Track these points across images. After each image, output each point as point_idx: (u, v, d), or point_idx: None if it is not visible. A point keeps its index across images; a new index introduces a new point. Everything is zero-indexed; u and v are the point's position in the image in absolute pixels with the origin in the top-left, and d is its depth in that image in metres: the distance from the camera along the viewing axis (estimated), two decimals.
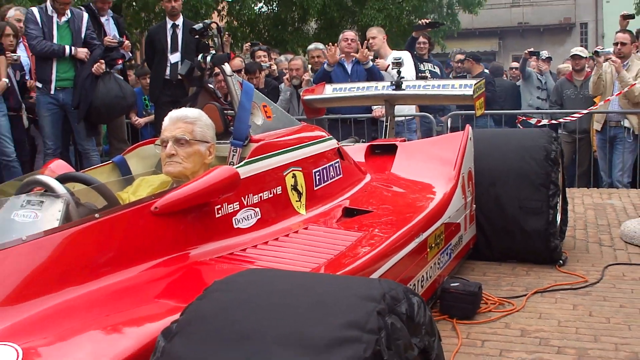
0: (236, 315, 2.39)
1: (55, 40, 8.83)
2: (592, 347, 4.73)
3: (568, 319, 5.26)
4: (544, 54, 14.79)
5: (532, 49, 14.10)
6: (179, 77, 5.23)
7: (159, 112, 10.01)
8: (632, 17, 12.00)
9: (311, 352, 2.17)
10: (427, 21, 12.88)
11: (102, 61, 9.01)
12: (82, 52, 8.78)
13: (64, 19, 8.95)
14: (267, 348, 2.21)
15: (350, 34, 10.68)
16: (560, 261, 6.52)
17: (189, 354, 2.28)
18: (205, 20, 5.20)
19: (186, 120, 4.26)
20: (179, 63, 9.43)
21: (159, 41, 9.94)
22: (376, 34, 11.17)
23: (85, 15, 9.23)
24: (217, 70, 5.10)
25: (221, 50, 5.14)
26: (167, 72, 9.90)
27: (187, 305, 2.49)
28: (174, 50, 9.93)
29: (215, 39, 5.15)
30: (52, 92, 8.89)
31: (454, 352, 4.68)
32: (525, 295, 5.73)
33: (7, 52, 8.90)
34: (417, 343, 2.52)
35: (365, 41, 10.68)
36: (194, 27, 5.06)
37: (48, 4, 8.95)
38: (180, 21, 10.06)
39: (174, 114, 4.32)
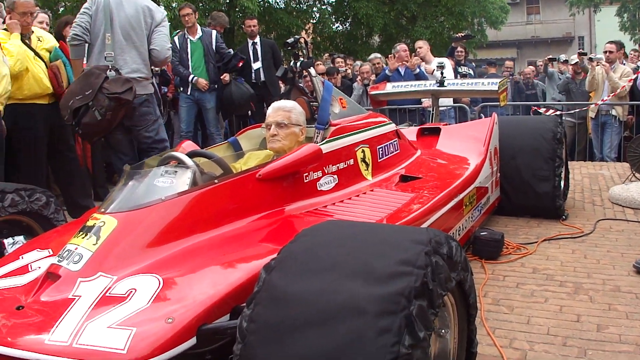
0: (318, 254, 2.39)
1: (189, 54, 9.06)
2: (586, 282, 4.68)
3: (568, 260, 5.20)
4: (562, 57, 14.34)
5: (551, 56, 13.83)
6: (277, 77, 5.24)
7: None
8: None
9: (374, 282, 2.16)
10: (463, 34, 12.76)
11: (226, 74, 9.23)
12: (202, 83, 9.06)
13: (196, 36, 9.13)
14: (341, 278, 2.21)
15: (402, 46, 10.64)
16: (563, 216, 6.46)
17: (282, 283, 2.28)
18: (296, 36, 5.18)
19: (285, 109, 4.28)
20: (260, 69, 9.91)
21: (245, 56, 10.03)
22: (422, 44, 11.20)
23: (214, 32, 9.37)
24: (305, 72, 5.08)
25: (307, 58, 5.12)
26: (253, 77, 9.96)
27: (282, 247, 2.50)
28: (255, 60, 9.98)
29: (303, 50, 5.13)
30: (189, 93, 9.15)
31: (482, 284, 4.65)
32: (536, 242, 5.66)
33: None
34: (455, 277, 2.49)
35: (414, 52, 10.66)
36: (287, 41, 5.04)
37: (185, 30, 9.27)
38: (257, 39, 10.14)
39: (275, 104, 4.36)
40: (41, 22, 7.30)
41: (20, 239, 4.13)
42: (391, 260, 2.25)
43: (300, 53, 5.06)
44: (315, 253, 2.41)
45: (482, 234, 5.33)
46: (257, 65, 9.97)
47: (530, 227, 6.22)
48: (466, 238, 5.23)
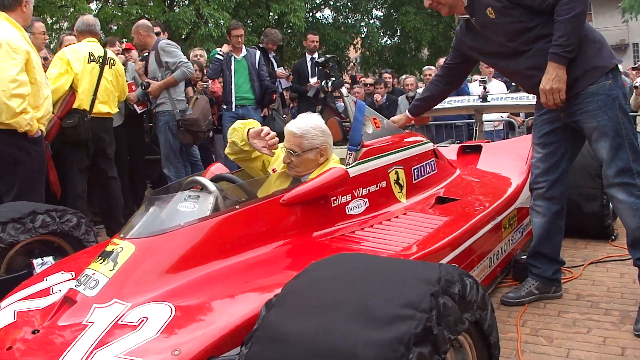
0: (320, 290, 2.30)
1: (233, 72, 9.12)
2: (633, 310, 4.36)
3: (615, 285, 4.94)
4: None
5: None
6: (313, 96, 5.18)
7: None
8: None
9: (373, 325, 2.04)
10: None
11: (265, 109, 9.35)
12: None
13: (241, 55, 9.21)
14: (340, 319, 2.10)
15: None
16: (613, 237, 6.21)
17: (278, 322, 2.19)
18: (327, 55, 5.11)
19: (295, 135, 4.04)
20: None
21: (302, 71, 10.20)
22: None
23: (258, 53, 9.43)
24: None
25: (340, 77, 5.04)
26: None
27: (287, 282, 2.41)
28: (313, 76, 10.07)
29: (336, 69, 5.05)
30: (233, 109, 9.13)
31: (521, 312, 4.43)
32: (582, 265, 5.43)
33: (197, 83, 9.05)
34: (469, 317, 2.33)
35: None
36: (317, 60, 5.01)
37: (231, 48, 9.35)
38: (316, 55, 10.25)
39: (288, 127, 4.11)
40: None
41: (49, 259, 4.18)
42: (393, 301, 2.13)
43: (331, 72, 4.97)
44: (318, 289, 2.31)
45: (523, 257, 5.08)
46: (314, 81, 10.00)
47: (577, 248, 5.99)
48: (506, 262, 5.03)
